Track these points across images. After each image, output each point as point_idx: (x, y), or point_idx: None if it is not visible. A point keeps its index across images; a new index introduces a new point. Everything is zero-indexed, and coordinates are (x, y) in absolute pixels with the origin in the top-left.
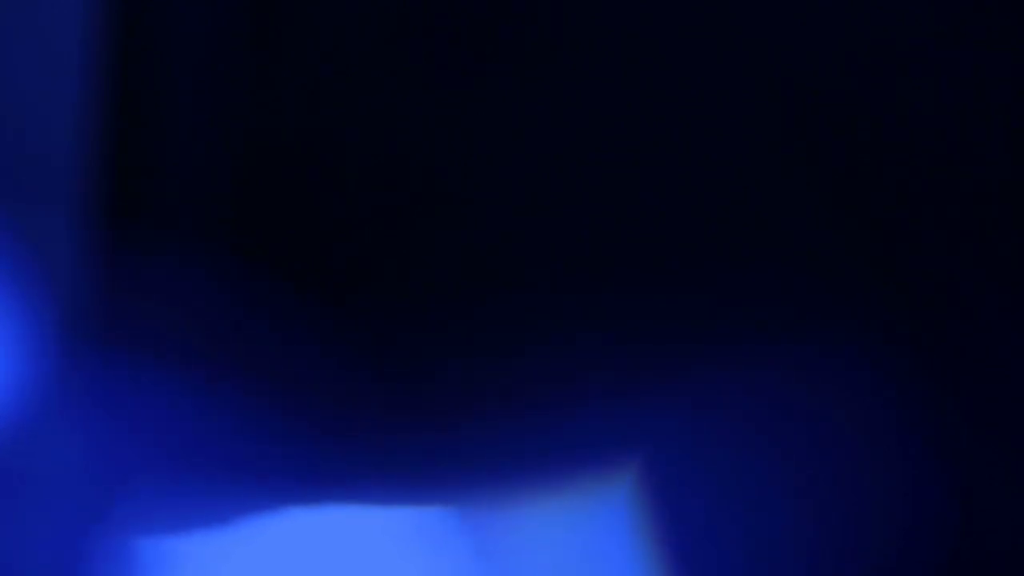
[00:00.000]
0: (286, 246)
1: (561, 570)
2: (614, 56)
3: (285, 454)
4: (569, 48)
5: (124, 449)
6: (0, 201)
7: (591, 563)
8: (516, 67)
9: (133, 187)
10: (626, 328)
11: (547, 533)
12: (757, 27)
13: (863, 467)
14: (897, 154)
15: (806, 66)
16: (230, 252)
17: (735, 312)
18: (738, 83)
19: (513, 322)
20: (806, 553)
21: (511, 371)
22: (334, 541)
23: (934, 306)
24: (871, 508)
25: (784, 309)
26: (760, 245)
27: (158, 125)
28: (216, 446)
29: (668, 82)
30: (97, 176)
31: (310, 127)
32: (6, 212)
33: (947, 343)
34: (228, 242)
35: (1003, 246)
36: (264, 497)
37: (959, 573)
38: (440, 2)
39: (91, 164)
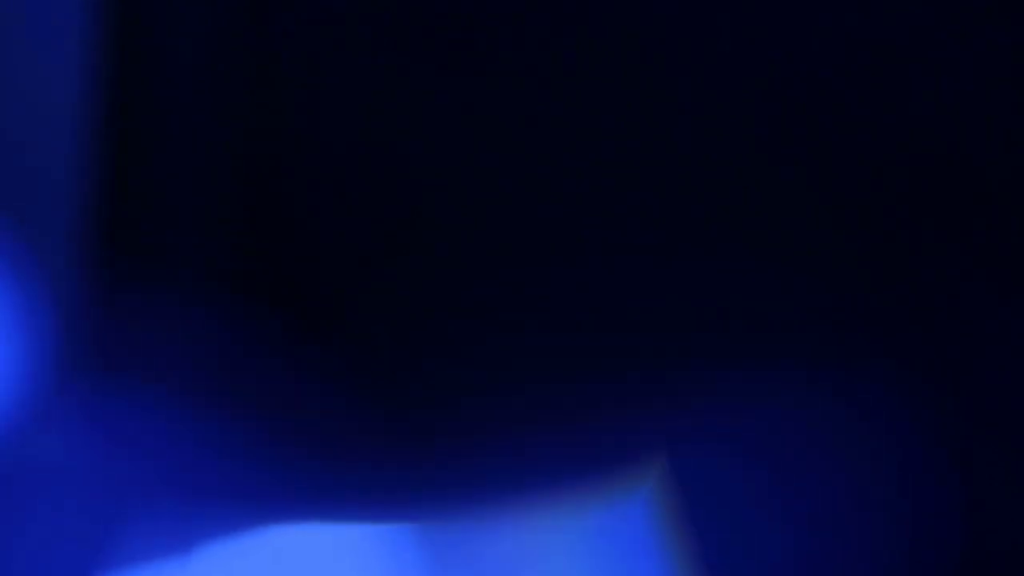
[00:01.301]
0: (287, 252)
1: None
2: (613, 53)
3: (284, 473)
4: (569, 47)
5: (119, 469)
6: None
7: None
8: (520, 66)
9: (131, 192)
10: (631, 330)
11: (564, 541)
12: (755, 23)
13: (869, 467)
14: (898, 153)
15: (804, 64)
16: (230, 259)
17: (734, 311)
18: (736, 80)
19: (519, 327)
20: (814, 552)
21: (519, 376)
22: (333, 560)
23: (934, 306)
24: (876, 508)
25: (786, 309)
26: (759, 245)
27: (155, 129)
28: (213, 464)
29: (668, 79)
30: (93, 184)
31: (311, 131)
32: (1, 220)
33: (947, 343)
34: (227, 250)
35: (1003, 246)
36: (261, 517)
37: (959, 573)
38: (441, 0)
39: (88, 172)
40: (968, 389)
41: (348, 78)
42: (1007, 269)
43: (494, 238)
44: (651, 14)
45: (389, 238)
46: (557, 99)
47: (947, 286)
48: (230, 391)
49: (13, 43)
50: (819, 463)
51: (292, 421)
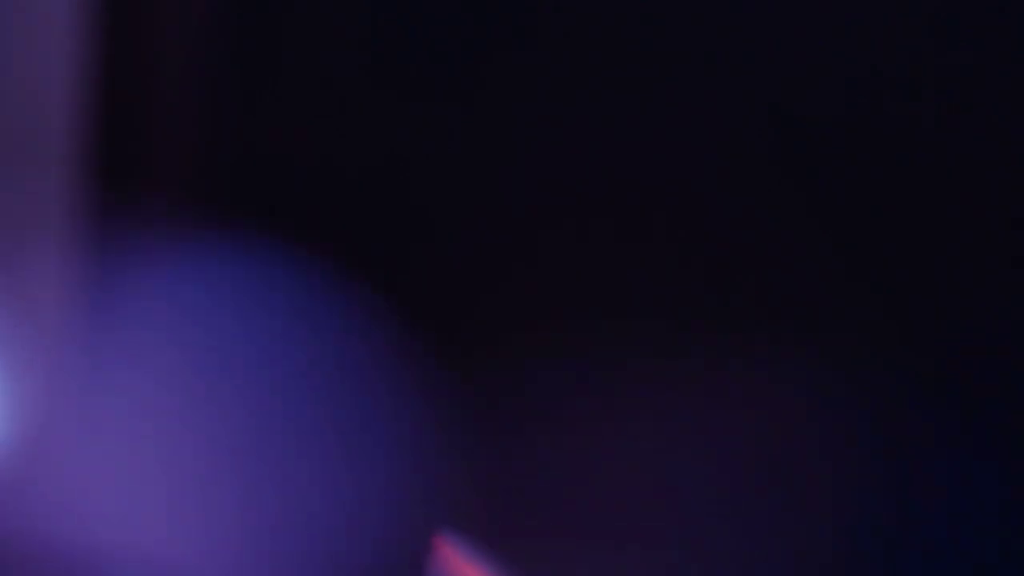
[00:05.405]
0: (276, 249)
1: None
2: (607, 72)
3: (281, 466)
4: (561, 62)
5: (116, 452)
6: None
7: None
8: (512, 74)
9: (122, 188)
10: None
11: None
12: (752, 46)
13: (855, 466)
14: (897, 154)
15: (804, 68)
16: (219, 251)
17: (736, 313)
18: (731, 100)
19: (515, 329)
20: (794, 551)
21: (514, 375)
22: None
23: (934, 306)
24: (860, 504)
25: (785, 309)
26: (758, 244)
27: (150, 130)
28: (211, 435)
29: (664, 97)
30: (87, 178)
31: (302, 134)
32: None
33: (947, 343)
34: (218, 243)
35: (1003, 255)
36: (266, 499)
37: (959, 571)
38: (432, 14)
39: (81, 162)
40: (968, 388)
41: (348, 97)
42: (1007, 269)
43: (494, 247)
44: (648, 35)
45: (391, 245)
46: (553, 111)
47: (946, 285)
48: (223, 376)
49: (5, 37)
50: (817, 461)
51: (288, 417)
